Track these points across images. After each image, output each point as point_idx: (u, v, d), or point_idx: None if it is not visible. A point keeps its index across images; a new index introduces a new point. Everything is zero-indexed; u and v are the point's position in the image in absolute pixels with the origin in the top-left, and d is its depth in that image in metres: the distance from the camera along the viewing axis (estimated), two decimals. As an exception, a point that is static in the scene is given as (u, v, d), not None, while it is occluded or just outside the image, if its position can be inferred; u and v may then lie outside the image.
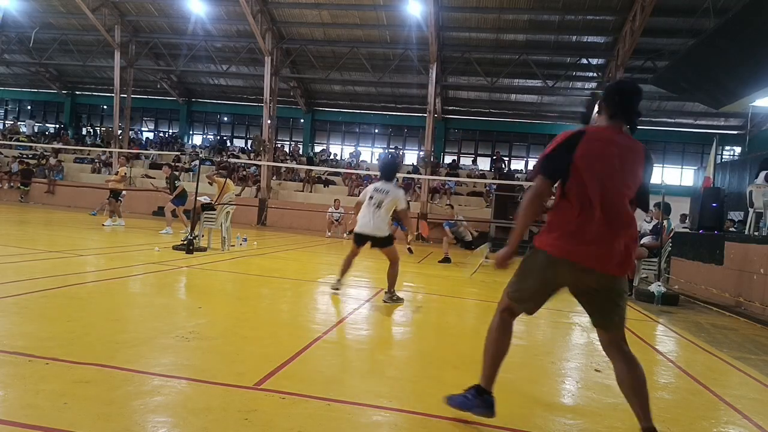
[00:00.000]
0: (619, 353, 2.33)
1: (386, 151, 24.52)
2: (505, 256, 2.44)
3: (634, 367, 2.29)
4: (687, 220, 13.75)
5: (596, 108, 2.47)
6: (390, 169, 5.87)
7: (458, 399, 2.52)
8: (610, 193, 2.24)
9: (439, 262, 10.86)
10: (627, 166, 2.28)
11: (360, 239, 5.62)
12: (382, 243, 5.57)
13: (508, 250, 2.44)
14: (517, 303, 2.46)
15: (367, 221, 5.52)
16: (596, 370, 3.62)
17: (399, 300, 5.59)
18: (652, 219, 8.44)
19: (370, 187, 5.70)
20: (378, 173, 5.90)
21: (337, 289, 5.71)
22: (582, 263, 2.24)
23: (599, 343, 2.41)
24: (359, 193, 21.51)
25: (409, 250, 12.57)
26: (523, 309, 2.47)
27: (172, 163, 21.07)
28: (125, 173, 13.58)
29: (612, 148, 2.28)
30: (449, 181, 20.39)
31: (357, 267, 8.21)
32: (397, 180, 5.81)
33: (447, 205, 12.77)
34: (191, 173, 20.68)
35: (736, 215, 11.41)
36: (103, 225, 12.40)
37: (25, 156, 23.22)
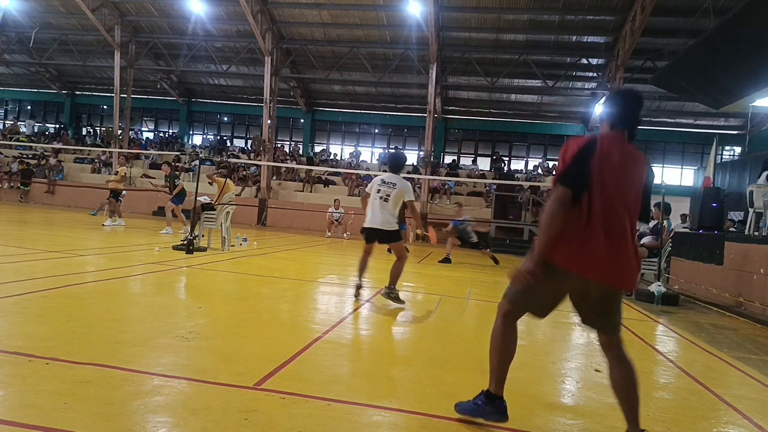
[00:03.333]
0: (614, 354, 2.34)
1: (386, 150, 24.51)
2: (528, 271, 2.27)
3: (626, 368, 2.29)
4: (687, 220, 13.75)
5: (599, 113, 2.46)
6: (398, 161, 5.69)
7: (468, 406, 2.51)
8: (616, 205, 2.21)
9: (440, 261, 10.87)
10: (632, 178, 2.26)
11: (369, 235, 5.43)
12: (390, 237, 5.40)
13: (532, 265, 2.26)
14: (519, 308, 2.45)
15: (375, 217, 5.36)
16: (596, 370, 3.62)
17: (399, 301, 5.41)
18: (651, 219, 8.44)
19: (377, 179, 5.54)
20: (382, 169, 5.86)
21: (358, 295, 5.48)
22: (586, 275, 2.21)
23: (599, 343, 2.41)
24: (359, 193, 21.63)
25: (405, 248, 12.43)
26: (524, 313, 2.46)
27: (172, 163, 21.07)
28: (125, 173, 13.58)
29: (620, 159, 2.24)
30: (449, 181, 20.39)
31: (356, 266, 8.22)
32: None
33: (455, 203, 12.74)
34: (191, 173, 20.68)
35: (736, 215, 11.40)
36: (103, 225, 12.40)
37: (25, 156, 23.22)
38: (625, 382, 2.27)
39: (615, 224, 2.21)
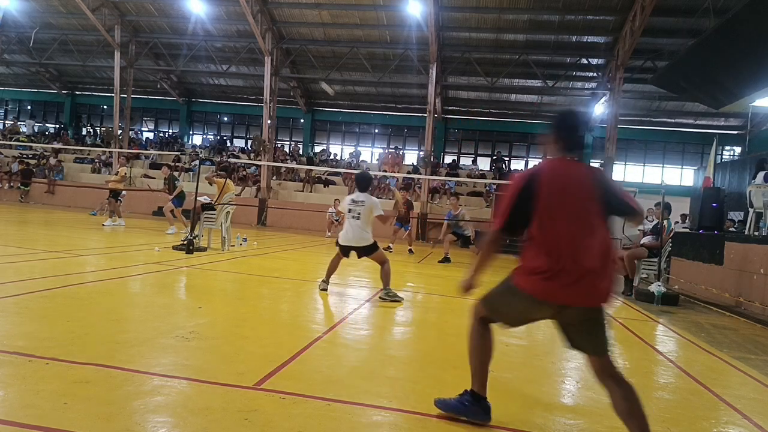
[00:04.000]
0: (612, 379, 2.26)
1: (386, 150, 24.50)
2: (467, 286, 2.55)
3: (630, 391, 2.22)
4: (687, 220, 13.76)
5: (548, 137, 2.43)
6: (364, 181, 6.10)
7: (452, 404, 2.54)
8: (575, 227, 2.22)
9: (439, 261, 10.86)
10: (585, 195, 2.26)
11: (345, 250, 5.86)
12: (367, 251, 5.77)
13: (469, 282, 2.53)
14: (494, 316, 2.50)
15: (349, 234, 5.75)
16: (596, 370, 3.62)
17: (397, 298, 5.67)
18: (654, 219, 8.44)
19: (348, 199, 5.94)
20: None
21: (324, 289, 5.90)
22: (559, 302, 2.21)
23: (593, 371, 2.33)
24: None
25: (410, 251, 12.70)
26: (498, 322, 2.50)
27: (172, 164, 21.07)
28: (125, 173, 13.59)
29: (569, 182, 2.27)
30: (449, 181, 20.40)
31: (357, 267, 8.23)
32: (373, 189, 6.29)
33: (453, 195, 12.77)
34: (191, 173, 20.68)
35: (736, 215, 11.40)
36: (103, 225, 12.40)
37: (25, 156, 23.21)
38: (631, 405, 2.19)
39: (577, 245, 2.19)
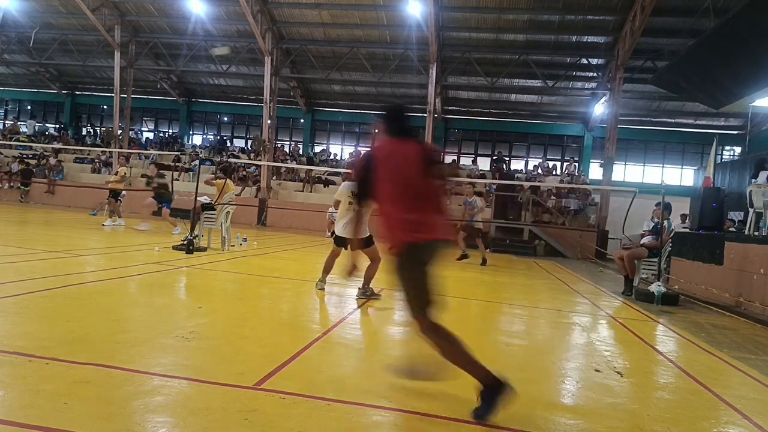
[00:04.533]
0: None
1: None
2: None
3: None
4: (687, 220, 13.75)
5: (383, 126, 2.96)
6: None
7: (486, 408, 2.51)
8: (411, 186, 2.69)
9: (457, 260, 10.83)
10: (411, 160, 2.74)
11: (341, 241, 5.75)
12: (365, 243, 5.58)
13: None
14: (428, 310, 2.62)
15: (347, 225, 5.60)
16: (596, 370, 3.62)
17: (375, 295, 5.64)
18: (654, 219, 8.44)
19: (346, 189, 5.69)
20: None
21: (322, 288, 5.90)
22: (440, 237, 2.68)
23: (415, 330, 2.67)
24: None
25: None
26: (432, 312, 2.63)
27: (172, 163, 21.06)
28: (125, 173, 13.58)
29: (398, 154, 2.77)
30: (449, 181, 20.38)
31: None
32: None
33: (470, 184, 12.84)
34: (191, 173, 20.66)
35: (736, 215, 11.39)
36: (102, 225, 12.40)
37: (25, 156, 23.20)
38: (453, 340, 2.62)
39: (417, 196, 2.69)
